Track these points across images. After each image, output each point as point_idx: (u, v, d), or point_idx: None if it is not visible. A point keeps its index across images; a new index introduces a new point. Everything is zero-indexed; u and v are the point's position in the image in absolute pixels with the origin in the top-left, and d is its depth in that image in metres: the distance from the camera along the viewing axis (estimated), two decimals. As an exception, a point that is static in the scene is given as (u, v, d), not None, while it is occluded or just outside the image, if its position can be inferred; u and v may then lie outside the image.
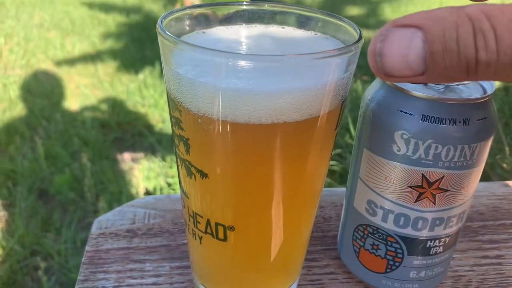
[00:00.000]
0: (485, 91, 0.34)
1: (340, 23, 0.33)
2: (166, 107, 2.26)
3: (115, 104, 2.28)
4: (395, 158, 0.33)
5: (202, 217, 0.33)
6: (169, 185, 1.76)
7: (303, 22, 0.35)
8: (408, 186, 0.34)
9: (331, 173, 1.78)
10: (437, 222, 0.35)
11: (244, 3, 0.36)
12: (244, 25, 0.35)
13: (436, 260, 0.37)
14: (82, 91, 2.39)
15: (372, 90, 0.36)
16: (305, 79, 0.27)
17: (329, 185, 1.65)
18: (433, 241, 0.36)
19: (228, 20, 0.36)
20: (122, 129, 2.13)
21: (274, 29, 0.35)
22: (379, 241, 0.37)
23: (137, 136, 2.08)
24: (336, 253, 0.44)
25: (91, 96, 2.34)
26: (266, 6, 0.36)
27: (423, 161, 0.33)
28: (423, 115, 0.32)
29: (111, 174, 1.79)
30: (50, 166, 1.83)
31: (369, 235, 0.37)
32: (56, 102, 2.27)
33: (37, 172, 1.80)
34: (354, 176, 0.38)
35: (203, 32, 0.34)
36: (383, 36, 0.21)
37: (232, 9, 0.35)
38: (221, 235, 0.33)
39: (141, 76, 2.47)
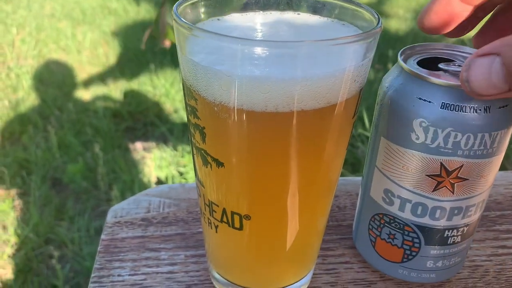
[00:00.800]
0: None
1: (358, 9, 0.32)
2: (177, 97, 2.26)
3: (126, 94, 2.29)
4: (413, 147, 0.33)
5: (218, 206, 0.32)
6: (180, 174, 1.77)
7: (319, 8, 0.35)
8: (426, 175, 0.33)
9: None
10: (456, 211, 0.35)
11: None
12: (259, 12, 0.35)
13: (453, 250, 0.37)
14: (93, 80, 2.40)
15: (390, 78, 0.35)
16: (323, 66, 0.26)
17: (341, 174, 1.64)
18: (451, 231, 0.36)
19: (243, 6, 0.35)
20: (133, 118, 2.14)
21: (290, 16, 0.35)
22: (395, 231, 0.37)
23: (149, 126, 2.08)
24: (351, 242, 0.44)
25: (102, 86, 2.34)
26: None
27: (442, 149, 0.32)
28: (442, 102, 0.31)
29: (123, 163, 1.80)
30: (63, 155, 1.85)
31: (386, 224, 0.37)
32: (68, 91, 2.28)
33: (50, 161, 1.82)
34: (371, 165, 0.37)
35: (218, 19, 0.34)
36: (467, 66, 0.27)
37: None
38: (237, 224, 0.32)
39: (152, 65, 2.47)
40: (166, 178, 1.73)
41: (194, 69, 0.28)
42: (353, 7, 0.33)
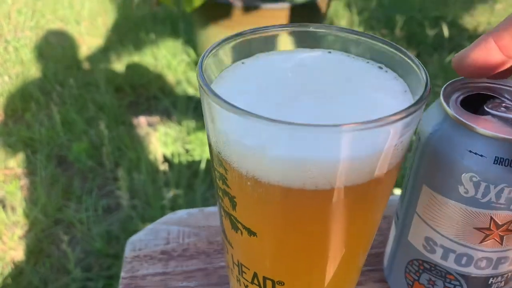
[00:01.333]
0: None
1: (400, 54, 0.29)
2: (180, 68, 2.21)
3: (128, 66, 2.24)
4: (461, 200, 0.30)
5: (248, 269, 0.30)
6: (187, 151, 1.75)
7: (352, 46, 0.31)
8: (474, 228, 0.31)
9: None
10: (502, 260, 0.33)
11: (285, 26, 0.32)
12: (288, 51, 0.32)
13: None
14: (93, 53, 2.34)
15: (433, 122, 0.32)
16: (368, 145, 0.24)
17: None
18: (495, 278, 0.34)
19: (268, 45, 0.32)
20: (136, 92, 2.10)
21: (320, 56, 0.31)
22: (436, 278, 0.35)
23: (152, 100, 2.05)
24: (380, 274, 0.42)
25: (102, 59, 2.29)
26: (311, 29, 0.32)
27: (493, 204, 0.30)
28: (496, 157, 0.28)
29: (128, 140, 1.78)
30: (67, 133, 1.83)
31: (426, 271, 0.35)
32: (68, 65, 2.23)
33: (54, 139, 1.80)
34: (409, 209, 0.35)
35: (243, 62, 0.31)
36: None
37: (273, 32, 0.32)
38: None
39: (152, 35, 2.41)
40: (172, 155, 1.71)
41: (224, 139, 0.25)
42: (393, 50, 0.29)
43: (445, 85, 0.33)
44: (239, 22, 2.00)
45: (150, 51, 2.32)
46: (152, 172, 1.65)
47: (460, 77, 0.33)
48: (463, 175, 0.29)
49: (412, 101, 0.26)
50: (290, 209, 0.26)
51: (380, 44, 0.30)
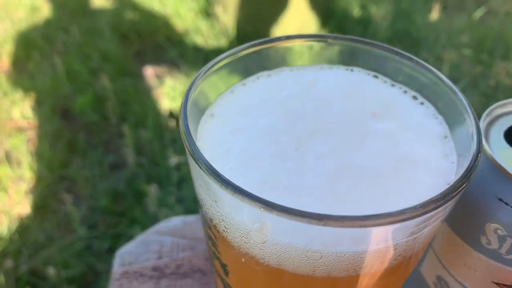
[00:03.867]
0: None
1: (437, 81, 0.23)
2: (189, 16, 2.11)
3: (134, 13, 2.14)
4: (482, 250, 0.26)
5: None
6: (194, 107, 1.69)
7: (379, 65, 0.25)
8: (493, 282, 0.26)
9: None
10: None
11: (299, 36, 0.25)
12: (293, 69, 0.26)
13: None
14: (98, -4, 2.24)
15: None
16: (385, 239, 0.18)
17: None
18: None
19: (273, 62, 0.26)
20: (142, 41, 2.01)
21: (341, 77, 0.25)
22: None
23: (159, 49, 1.97)
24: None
25: (108, 4, 2.19)
26: (330, 41, 0.25)
27: None
28: None
29: (134, 93, 1.73)
30: (72, 83, 1.77)
31: None
32: (73, 10, 2.14)
33: (58, 90, 1.75)
34: None
35: (243, 84, 0.25)
36: None
37: (278, 46, 0.25)
38: None
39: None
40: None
41: (218, 210, 0.20)
42: (433, 76, 0.23)
43: (491, 107, 0.27)
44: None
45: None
46: (158, 129, 1.61)
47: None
48: (487, 224, 0.24)
49: (455, 155, 0.20)
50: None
51: (418, 67, 0.24)
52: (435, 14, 1.94)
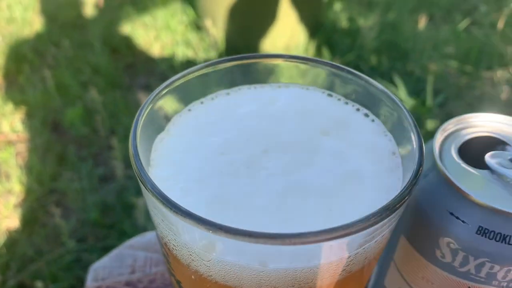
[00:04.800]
0: None
1: (392, 102, 0.24)
2: (179, 28, 2.13)
3: (125, 26, 2.15)
4: (437, 264, 0.26)
5: None
6: (184, 119, 1.70)
7: (334, 85, 0.26)
8: None
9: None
10: None
11: (252, 57, 0.26)
12: (251, 87, 0.26)
13: None
14: (89, 10, 2.25)
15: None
16: (335, 253, 0.19)
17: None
18: None
19: (231, 80, 0.26)
20: (133, 54, 2.02)
21: (296, 96, 0.26)
22: None
23: (150, 62, 1.98)
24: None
25: (99, 18, 2.20)
26: (280, 61, 0.26)
27: (472, 276, 0.25)
28: (480, 226, 0.24)
29: (124, 106, 1.73)
30: (62, 97, 1.78)
31: None
32: (63, 24, 2.15)
33: (48, 104, 1.75)
34: (387, 254, 0.31)
35: (202, 102, 0.26)
36: None
37: (232, 65, 0.26)
38: None
39: (151, -8, 2.30)
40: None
41: (165, 228, 0.20)
42: (384, 94, 0.24)
43: (445, 124, 0.27)
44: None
45: (148, 11, 2.22)
46: (147, 141, 1.61)
47: (472, 114, 0.28)
48: (441, 238, 0.25)
49: (401, 171, 0.21)
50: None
51: (370, 87, 0.24)
52: (421, 25, 1.97)
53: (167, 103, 0.24)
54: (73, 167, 1.55)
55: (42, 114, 1.71)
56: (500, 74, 1.55)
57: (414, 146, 0.21)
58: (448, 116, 1.48)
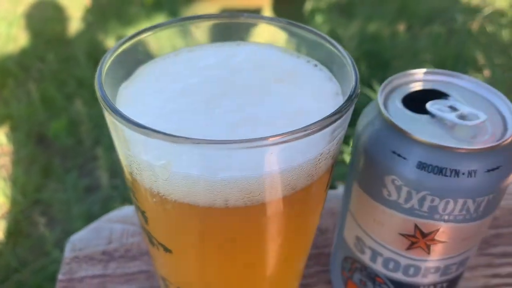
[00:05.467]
0: (504, 131, 0.27)
1: (335, 51, 0.26)
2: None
3: (110, 40, 2.18)
4: (385, 203, 0.29)
5: (171, 283, 0.28)
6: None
7: (288, 40, 0.28)
8: (399, 234, 0.29)
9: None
10: (432, 270, 0.31)
11: (211, 16, 0.29)
12: (213, 45, 0.29)
13: None
14: (74, 25, 2.28)
15: (365, 120, 0.30)
16: (286, 159, 0.21)
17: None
18: (427, 287, 0.32)
19: (192, 38, 0.29)
20: (118, 67, 2.04)
21: (252, 51, 0.28)
22: (366, 279, 0.33)
23: (135, 75, 2.00)
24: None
25: (84, 32, 2.22)
26: (241, 19, 0.29)
27: (416, 211, 0.28)
28: (419, 162, 0.26)
29: (109, 118, 1.75)
30: (47, 110, 1.79)
31: (357, 270, 0.34)
32: (49, 39, 2.17)
33: (33, 116, 1.76)
34: (345, 205, 0.33)
35: (167, 57, 0.28)
36: None
37: (195, 24, 0.28)
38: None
39: (135, 8, 2.33)
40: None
41: (128, 152, 0.22)
42: (328, 45, 0.26)
43: (387, 81, 0.30)
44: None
45: (133, 25, 2.25)
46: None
47: (417, 69, 0.31)
48: (386, 177, 0.27)
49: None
50: (202, 226, 0.23)
51: (318, 39, 0.27)
52: (400, 34, 2.02)
53: (134, 53, 0.27)
54: (58, 178, 1.55)
55: (27, 127, 1.72)
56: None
57: (352, 76, 0.24)
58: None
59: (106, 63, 0.24)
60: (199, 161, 0.20)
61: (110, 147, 1.62)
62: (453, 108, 0.28)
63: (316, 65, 0.27)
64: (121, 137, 0.22)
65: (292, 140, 0.20)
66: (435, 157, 0.26)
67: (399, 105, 0.29)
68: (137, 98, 0.25)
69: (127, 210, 0.45)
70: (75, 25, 2.28)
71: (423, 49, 1.92)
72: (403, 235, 0.29)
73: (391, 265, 0.31)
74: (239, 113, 0.24)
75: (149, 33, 0.27)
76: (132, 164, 0.22)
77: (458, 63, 1.77)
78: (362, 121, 0.30)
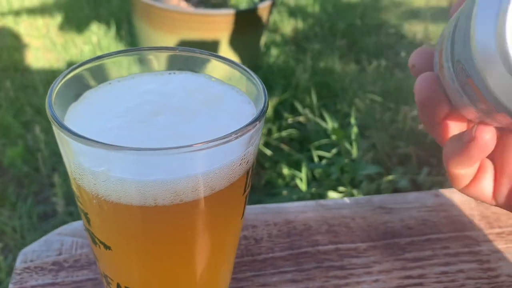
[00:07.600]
0: None
1: (252, 80, 0.32)
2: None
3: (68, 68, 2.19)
4: None
5: (112, 279, 0.32)
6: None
7: (215, 71, 0.34)
8: None
9: (290, 140, 1.79)
10: None
11: (152, 48, 0.34)
12: (151, 73, 0.34)
13: None
14: (33, 53, 2.28)
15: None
16: (206, 163, 0.26)
17: (288, 155, 1.66)
18: None
19: (134, 67, 0.34)
20: (77, 95, 2.06)
21: (186, 79, 0.34)
22: None
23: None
24: (264, 279, 0.45)
25: (42, 59, 2.23)
26: (178, 52, 0.34)
27: None
28: None
29: (66, 145, 1.75)
30: (2, 138, 1.78)
31: None
32: (5, 67, 2.16)
33: (-12, 144, 1.74)
34: None
35: (109, 83, 0.33)
36: None
37: (139, 55, 0.34)
38: (133, 295, 0.32)
39: (94, 38, 2.37)
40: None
41: (71, 160, 0.27)
42: (247, 76, 0.32)
43: None
44: (183, 27, 2.01)
45: (92, 54, 2.28)
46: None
47: None
48: None
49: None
50: (135, 224, 0.28)
51: (239, 70, 0.32)
52: (349, 67, 2.15)
53: (82, 79, 0.31)
54: (13, 206, 1.54)
55: (-19, 154, 1.70)
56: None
57: (263, 102, 0.29)
58: (373, 146, 1.61)
59: (57, 86, 0.29)
60: (132, 167, 0.25)
61: (67, 174, 1.63)
62: None
63: (238, 92, 0.33)
64: (67, 148, 0.26)
65: (212, 147, 0.25)
66: None
67: None
68: (83, 116, 0.29)
69: (77, 224, 0.49)
70: (33, 53, 2.28)
71: (370, 81, 2.04)
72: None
73: None
74: (171, 130, 0.29)
75: (96, 62, 0.32)
76: (76, 171, 0.27)
77: (402, 94, 1.90)
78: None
